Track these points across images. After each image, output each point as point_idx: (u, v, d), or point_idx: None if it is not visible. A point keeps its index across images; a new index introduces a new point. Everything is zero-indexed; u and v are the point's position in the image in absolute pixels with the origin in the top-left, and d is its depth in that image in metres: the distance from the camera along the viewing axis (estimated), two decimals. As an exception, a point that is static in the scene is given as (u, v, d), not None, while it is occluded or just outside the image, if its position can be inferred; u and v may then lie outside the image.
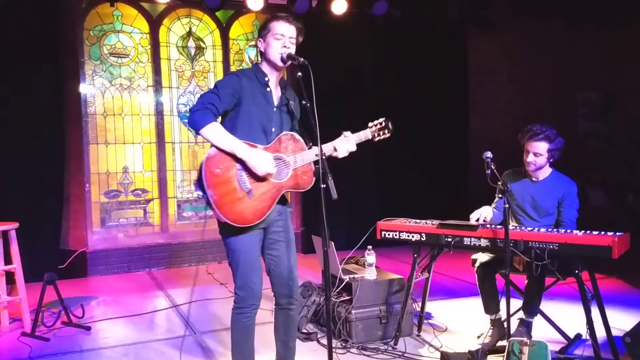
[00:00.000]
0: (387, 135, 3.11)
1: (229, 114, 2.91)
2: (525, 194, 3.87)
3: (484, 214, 3.73)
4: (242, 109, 2.88)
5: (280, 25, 2.90)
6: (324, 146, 2.85)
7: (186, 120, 7.19)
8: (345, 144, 2.97)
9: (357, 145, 3.05)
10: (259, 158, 2.77)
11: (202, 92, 7.23)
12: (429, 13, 7.75)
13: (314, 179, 2.94)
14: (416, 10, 7.64)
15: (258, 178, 2.82)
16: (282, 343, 3.14)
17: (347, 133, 3.01)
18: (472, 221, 3.70)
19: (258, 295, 2.95)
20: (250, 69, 3.03)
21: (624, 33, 7.97)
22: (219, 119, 2.92)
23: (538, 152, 3.72)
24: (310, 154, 2.92)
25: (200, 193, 2.79)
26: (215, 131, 2.77)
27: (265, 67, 2.98)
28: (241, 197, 2.79)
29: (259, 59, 3.02)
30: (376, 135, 3.10)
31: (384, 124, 3.09)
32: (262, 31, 2.96)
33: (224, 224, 2.82)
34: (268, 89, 2.96)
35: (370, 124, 3.11)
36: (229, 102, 2.84)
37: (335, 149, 2.96)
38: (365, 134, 3.08)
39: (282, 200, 3.01)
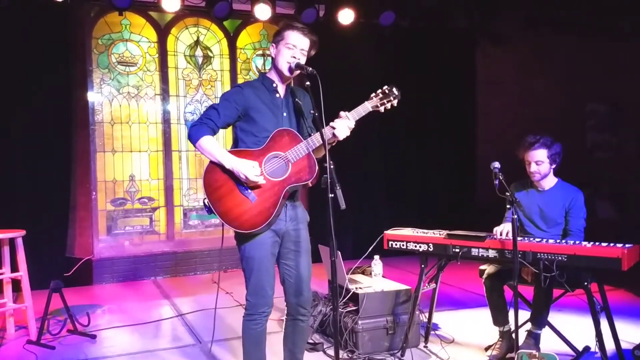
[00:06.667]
0: (395, 101, 2.96)
1: (238, 124, 2.94)
2: (532, 205, 3.87)
3: (506, 228, 3.64)
4: (250, 118, 2.91)
5: (294, 35, 2.91)
6: (323, 131, 2.76)
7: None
8: (343, 122, 2.85)
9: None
10: (244, 166, 2.78)
11: (209, 102, 7.40)
12: (436, 24, 7.75)
13: (316, 171, 2.85)
14: (423, 20, 7.64)
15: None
16: (290, 353, 3.12)
17: (343, 113, 2.89)
18: (497, 234, 3.64)
19: (269, 303, 2.93)
20: (256, 79, 3.07)
21: (633, 45, 7.96)
22: (232, 128, 2.96)
23: (539, 160, 3.75)
24: (305, 146, 2.83)
25: (206, 207, 2.83)
26: (205, 144, 2.83)
27: (272, 75, 3.00)
28: (244, 204, 2.82)
29: (269, 64, 3.04)
30: (379, 105, 2.94)
31: (387, 91, 2.94)
32: (276, 37, 2.97)
33: (236, 232, 2.85)
34: (277, 95, 2.97)
35: (372, 95, 2.96)
36: (229, 116, 2.88)
37: (334, 134, 2.82)
38: (364, 108, 2.91)
39: (296, 205, 3.01)
